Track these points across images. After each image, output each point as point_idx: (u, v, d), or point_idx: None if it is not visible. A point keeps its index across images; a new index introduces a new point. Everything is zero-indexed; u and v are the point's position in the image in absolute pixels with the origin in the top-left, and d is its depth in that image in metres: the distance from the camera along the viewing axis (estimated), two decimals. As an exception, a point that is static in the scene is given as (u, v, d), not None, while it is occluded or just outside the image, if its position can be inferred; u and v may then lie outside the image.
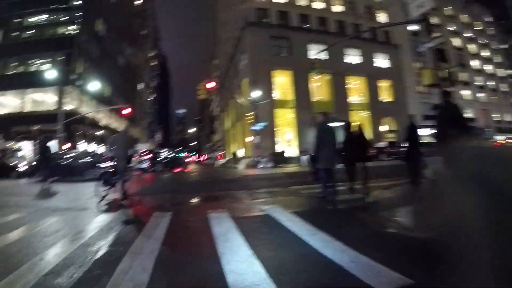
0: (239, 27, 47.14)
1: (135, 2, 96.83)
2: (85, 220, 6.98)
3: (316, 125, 8.68)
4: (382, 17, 53.24)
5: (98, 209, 8.40)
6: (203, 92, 36.02)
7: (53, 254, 4.42)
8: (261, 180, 15.58)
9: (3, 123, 44.69)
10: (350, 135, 9.76)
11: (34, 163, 23.34)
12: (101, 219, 6.86)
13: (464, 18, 70.27)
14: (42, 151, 15.80)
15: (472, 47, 69.17)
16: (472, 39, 70.07)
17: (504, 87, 72.23)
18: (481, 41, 72.13)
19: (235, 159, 36.46)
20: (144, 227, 5.88)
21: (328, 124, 8.70)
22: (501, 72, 74.45)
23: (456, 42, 65.49)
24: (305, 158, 32.05)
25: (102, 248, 4.68)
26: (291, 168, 28.16)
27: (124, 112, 38.93)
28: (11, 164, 28.76)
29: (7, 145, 35.20)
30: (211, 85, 28.78)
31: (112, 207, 8.81)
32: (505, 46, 77.26)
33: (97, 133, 55.88)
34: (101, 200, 9.66)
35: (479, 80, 67.57)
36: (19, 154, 35.95)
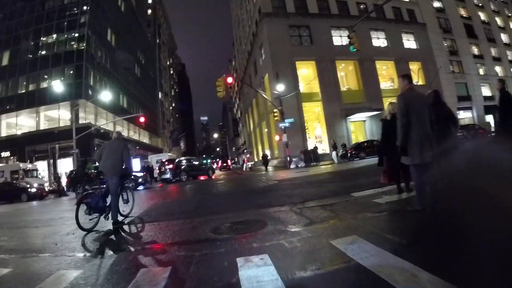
0: (255, 21, 44.76)
1: (147, 11, 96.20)
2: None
3: (398, 98, 5.63)
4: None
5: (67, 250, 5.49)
6: (222, 88, 33.47)
7: None
8: (303, 185, 11.86)
9: (18, 143, 43.87)
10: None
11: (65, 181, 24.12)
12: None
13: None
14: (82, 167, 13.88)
15: (498, 20, 64.47)
16: (497, 12, 65.24)
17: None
18: (507, 13, 67.13)
19: (265, 161, 33.70)
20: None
21: (414, 92, 5.66)
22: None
23: (482, 16, 61.10)
24: (334, 153, 29.33)
25: None
26: (328, 166, 25.15)
27: (141, 120, 36.72)
28: (21, 186, 27.39)
29: (21, 166, 33.59)
30: (230, 79, 25.98)
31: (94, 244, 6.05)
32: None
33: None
34: (88, 232, 7.17)
35: (510, 55, 62.79)
36: (35, 174, 34.32)
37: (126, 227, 7.28)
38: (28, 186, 27.28)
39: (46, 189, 30.90)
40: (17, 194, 26.26)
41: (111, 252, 5.05)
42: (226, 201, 10.80)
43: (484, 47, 57.30)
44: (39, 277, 4.06)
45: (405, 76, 5.85)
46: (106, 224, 7.79)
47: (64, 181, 28.99)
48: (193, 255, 4.24)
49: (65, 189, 28.15)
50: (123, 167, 8.14)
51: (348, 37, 18.56)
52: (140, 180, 24.37)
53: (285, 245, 4.17)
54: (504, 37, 62.95)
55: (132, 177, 23.00)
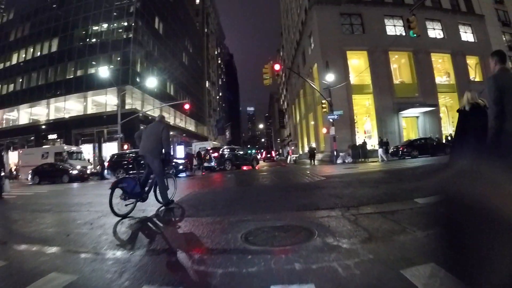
0: (304, 8, 43.57)
1: (196, 0, 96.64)
2: None
3: (489, 80, 4.41)
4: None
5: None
6: (269, 75, 32.68)
7: None
8: (354, 184, 10.40)
9: (65, 126, 45.02)
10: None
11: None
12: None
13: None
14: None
15: None
16: None
17: None
18: None
19: (312, 154, 32.46)
20: None
21: (509, 74, 4.44)
22: None
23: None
24: (380, 150, 27.70)
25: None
26: (377, 163, 23.72)
27: (185, 107, 36.66)
28: (63, 167, 27.93)
29: (65, 148, 34.08)
30: (278, 67, 24.96)
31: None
32: None
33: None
34: (122, 218, 6.73)
35: None
36: (80, 156, 34.73)
37: (149, 223, 6.38)
38: (70, 168, 27.62)
39: (89, 171, 31.16)
40: (58, 175, 26.72)
41: (118, 254, 4.13)
42: (266, 197, 9.17)
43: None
44: (25, 279, 3.30)
45: (496, 53, 4.56)
46: (144, 208, 7.60)
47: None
48: (214, 273, 3.20)
49: (106, 172, 28.33)
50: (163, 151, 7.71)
51: (408, 20, 17.01)
52: (181, 167, 23.83)
53: (339, 270, 3.02)
54: None
55: (173, 163, 22.66)
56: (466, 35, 43.62)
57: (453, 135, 8.70)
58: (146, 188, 7.62)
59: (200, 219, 6.07)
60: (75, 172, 26.97)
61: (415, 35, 17.53)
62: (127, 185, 7.18)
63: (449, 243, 2.62)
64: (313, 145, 40.41)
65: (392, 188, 8.92)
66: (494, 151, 4.04)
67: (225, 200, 8.78)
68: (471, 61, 42.57)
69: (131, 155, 25.36)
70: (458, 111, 5.71)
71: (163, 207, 7.69)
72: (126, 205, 7.07)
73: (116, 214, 6.71)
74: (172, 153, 8.64)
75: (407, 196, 6.95)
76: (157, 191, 7.99)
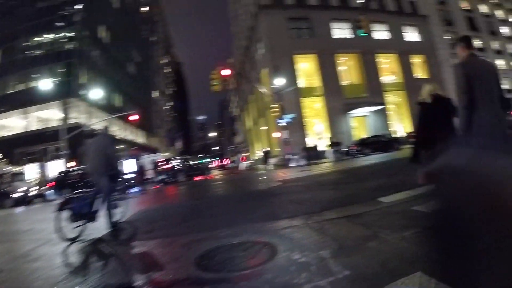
0: (252, 14, 43.42)
1: (142, 9, 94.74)
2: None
3: (456, 68, 4.02)
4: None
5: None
6: (218, 81, 32.16)
7: None
8: (313, 188, 9.92)
9: (7, 145, 42.34)
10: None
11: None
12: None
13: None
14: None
15: (499, 13, 63.73)
16: (499, 5, 64.63)
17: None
18: (508, 6, 66.51)
19: (266, 159, 32.14)
20: None
21: (477, 60, 4.11)
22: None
23: (483, 8, 60.59)
24: (331, 150, 27.77)
25: None
26: (331, 164, 23.57)
27: (132, 118, 35.46)
28: (3, 191, 25.71)
29: (5, 169, 31.89)
30: (226, 72, 24.35)
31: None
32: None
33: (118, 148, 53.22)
34: (72, 242, 6.07)
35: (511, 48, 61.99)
36: (22, 177, 32.54)
37: (93, 249, 5.62)
38: (12, 191, 25.42)
39: (34, 193, 29.15)
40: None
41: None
42: (220, 209, 8.47)
43: (486, 40, 56.42)
44: None
45: (462, 39, 4.22)
46: (98, 226, 6.81)
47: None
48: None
49: (50, 193, 26.26)
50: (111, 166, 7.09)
51: (357, 20, 16.94)
52: (131, 181, 22.63)
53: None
54: (505, 30, 62.12)
55: (123, 179, 21.57)
56: (411, 35, 45.35)
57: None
58: (96, 208, 6.93)
59: (149, 242, 5.34)
60: (17, 195, 24.90)
61: (364, 34, 17.54)
62: (75, 206, 6.59)
63: (436, 245, 2.19)
64: (265, 150, 40.18)
65: (353, 188, 8.52)
66: (465, 142, 3.70)
67: (176, 216, 8.06)
68: (417, 60, 44.19)
69: (77, 172, 23.68)
70: (419, 104, 5.36)
71: (113, 229, 6.90)
72: (74, 227, 6.43)
73: (64, 239, 6.06)
74: (120, 168, 7.90)
75: (370, 196, 6.54)
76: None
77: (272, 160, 35.19)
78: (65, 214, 6.34)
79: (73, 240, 6.13)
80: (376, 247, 3.46)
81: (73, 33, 46.26)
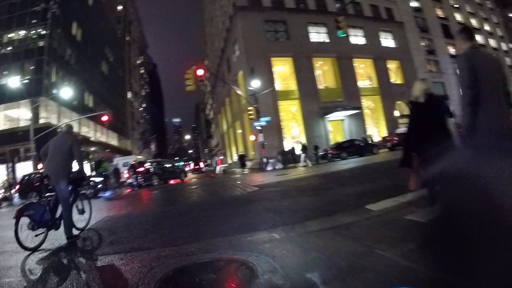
0: (228, 16, 43.10)
1: (117, 8, 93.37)
2: None
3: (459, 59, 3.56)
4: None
5: None
6: (192, 81, 31.00)
7: None
8: (292, 194, 9.19)
9: None
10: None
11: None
12: None
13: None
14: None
15: (474, 22, 65.16)
16: (473, 14, 66.82)
17: (509, 62, 69.06)
18: (482, 15, 69.55)
19: (242, 162, 31.39)
20: None
21: (480, 52, 3.66)
22: (504, 47, 72.85)
23: (458, 17, 61.86)
24: (303, 156, 27.45)
25: None
26: (308, 168, 23.18)
27: (103, 119, 34.56)
28: None
29: None
30: (201, 72, 23.59)
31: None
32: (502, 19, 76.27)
33: (88, 150, 52.40)
34: (32, 252, 5.50)
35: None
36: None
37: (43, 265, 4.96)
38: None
39: (-1, 196, 27.87)
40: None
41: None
42: (191, 218, 7.32)
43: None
44: None
45: (462, 30, 3.82)
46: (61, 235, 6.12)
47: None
48: None
49: (15, 197, 25.08)
50: (75, 169, 6.54)
51: (336, 20, 16.52)
52: (99, 186, 21.53)
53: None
54: (479, 38, 63.41)
55: (91, 183, 20.69)
56: (387, 41, 45.65)
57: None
58: (58, 215, 6.31)
59: (107, 258, 4.58)
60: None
61: (344, 34, 17.16)
62: (34, 213, 5.93)
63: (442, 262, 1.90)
64: (239, 153, 39.69)
65: (336, 194, 7.88)
66: (468, 142, 3.32)
67: (144, 225, 7.19)
68: (392, 65, 44.52)
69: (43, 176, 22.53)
70: (410, 102, 4.93)
71: (71, 239, 6.18)
72: (36, 235, 5.82)
73: (24, 248, 5.47)
74: (85, 171, 7.19)
75: (356, 204, 6.01)
76: (73, 214, 6.63)
77: (248, 164, 34.66)
78: (24, 221, 5.72)
79: (32, 250, 5.56)
80: (374, 268, 2.93)
81: (45, 30, 44.83)
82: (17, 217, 5.57)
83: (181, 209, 9.33)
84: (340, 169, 16.58)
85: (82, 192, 7.36)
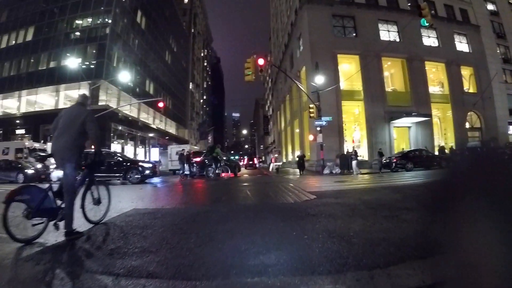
0: (294, 9, 41.87)
1: (184, 0, 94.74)
2: None
3: None
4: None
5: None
6: (252, 70, 29.74)
7: None
8: (360, 211, 7.01)
9: (34, 121, 42.40)
10: None
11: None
12: None
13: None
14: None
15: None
16: None
17: None
18: None
19: (301, 163, 29.36)
20: None
21: None
22: None
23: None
24: (354, 163, 25.42)
25: None
26: (371, 176, 21.37)
27: (159, 105, 34.47)
28: (18, 165, 25.11)
29: (26, 144, 31.57)
30: (261, 61, 22.35)
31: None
32: None
33: (145, 135, 53.29)
34: (25, 244, 4.64)
35: None
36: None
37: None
38: (29, 166, 24.86)
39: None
40: (13, 174, 23.83)
41: None
42: (227, 230, 5.38)
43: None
44: None
45: None
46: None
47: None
48: None
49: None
50: (90, 148, 5.75)
51: (419, 7, 14.60)
52: (147, 172, 20.54)
53: None
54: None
55: (139, 168, 19.97)
56: (462, 45, 42.10)
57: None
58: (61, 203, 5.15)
59: (89, 282, 3.26)
60: (31, 171, 23.91)
61: (427, 23, 15.19)
62: (30, 198, 4.84)
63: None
64: (297, 153, 38.03)
65: (421, 220, 5.28)
66: None
67: (165, 229, 5.55)
68: (466, 72, 41.01)
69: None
70: None
71: (71, 236, 4.97)
72: (33, 225, 4.83)
73: (15, 239, 4.54)
74: (103, 154, 5.96)
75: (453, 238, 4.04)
76: (85, 204, 5.80)
77: (305, 165, 33.09)
78: (18, 207, 4.72)
79: (25, 242, 4.65)
80: None
81: (111, 15, 45.35)
82: (7, 202, 4.59)
83: (219, 213, 7.36)
84: (413, 183, 13.88)
85: (92, 178, 6.04)
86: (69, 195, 5.09)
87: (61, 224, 5.00)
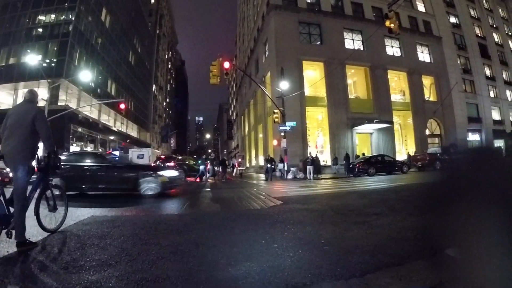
0: (261, 14, 42.06)
1: (151, 0, 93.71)
2: None
3: None
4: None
5: None
6: (217, 73, 29.10)
7: None
8: (328, 217, 6.81)
9: None
10: None
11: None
12: None
13: (502, 12, 62.81)
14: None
15: (512, 44, 61.81)
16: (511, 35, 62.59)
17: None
18: None
19: (271, 167, 28.87)
20: None
21: None
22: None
23: (496, 38, 58.52)
24: (310, 168, 25.57)
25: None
26: (335, 180, 21.48)
27: (121, 106, 33.78)
28: None
29: None
30: (227, 64, 22.08)
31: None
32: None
33: (106, 138, 51.96)
34: None
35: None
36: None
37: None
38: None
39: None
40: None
41: None
42: (190, 241, 4.94)
43: (497, 69, 54.60)
44: None
45: None
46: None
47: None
48: None
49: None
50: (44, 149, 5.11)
51: (386, 16, 14.68)
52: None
53: None
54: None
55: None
56: (423, 55, 43.42)
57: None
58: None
59: None
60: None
61: (395, 33, 15.30)
62: None
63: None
64: (262, 157, 37.82)
65: (393, 226, 5.43)
66: None
67: (124, 240, 5.10)
68: (427, 81, 42.55)
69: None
70: None
71: (22, 247, 4.46)
72: None
73: None
74: (58, 155, 5.44)
75: (428, 244, 3.83)
76: (40, 211, 5.25)
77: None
78: None
79: None
80: None
81: (75, 12, 44.21)
82: None
83: (181, 222, 6.88)
84: (379, 188, 14.02)
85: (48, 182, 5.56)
86: (20, 201, 4.64)
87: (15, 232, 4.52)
